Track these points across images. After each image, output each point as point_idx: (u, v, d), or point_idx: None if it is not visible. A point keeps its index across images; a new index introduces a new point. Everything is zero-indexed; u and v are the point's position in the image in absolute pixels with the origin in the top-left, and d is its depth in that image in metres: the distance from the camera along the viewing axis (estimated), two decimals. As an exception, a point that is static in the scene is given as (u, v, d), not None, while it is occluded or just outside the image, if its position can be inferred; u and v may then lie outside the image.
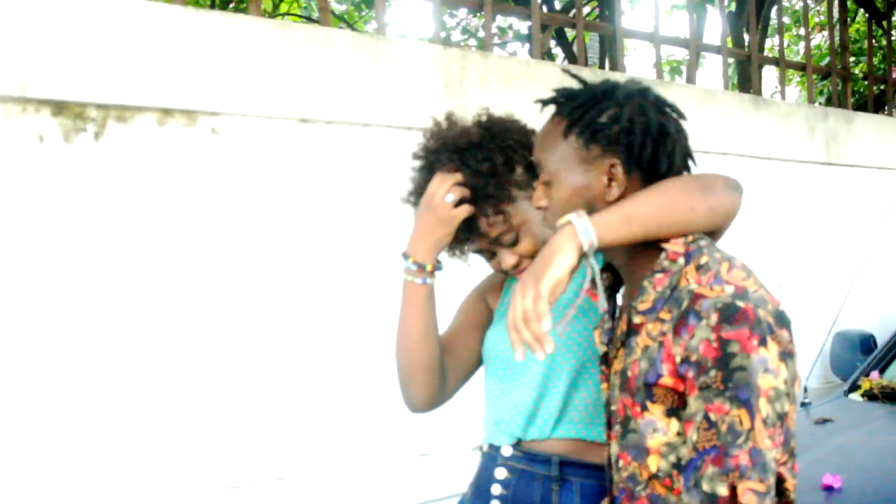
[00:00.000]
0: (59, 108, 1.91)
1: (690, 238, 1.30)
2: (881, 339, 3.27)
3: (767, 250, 3.47)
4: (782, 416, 1.19)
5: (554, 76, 2.81)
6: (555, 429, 1.71)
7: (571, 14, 3.52)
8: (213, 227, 2.15)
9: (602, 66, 3.82)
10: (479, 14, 3.78)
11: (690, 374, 1.18)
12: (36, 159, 1.90)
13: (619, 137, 1.30)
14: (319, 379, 2.33)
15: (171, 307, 2.08)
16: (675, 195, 1.33)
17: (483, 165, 1.66)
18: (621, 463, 1.37)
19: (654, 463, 1.28)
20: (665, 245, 1.30)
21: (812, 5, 5.33)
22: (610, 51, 3.47)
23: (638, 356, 1.26)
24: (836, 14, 4.46)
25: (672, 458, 1.27)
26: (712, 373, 1.16)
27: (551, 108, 1.42)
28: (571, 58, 3.85)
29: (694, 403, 1.19)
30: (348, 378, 2.38)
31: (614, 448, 1.40)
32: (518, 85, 2.68)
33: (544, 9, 2.98)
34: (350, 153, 2.38)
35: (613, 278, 1.47)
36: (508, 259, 1.68)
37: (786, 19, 6.86)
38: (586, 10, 4.60)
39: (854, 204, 4.11)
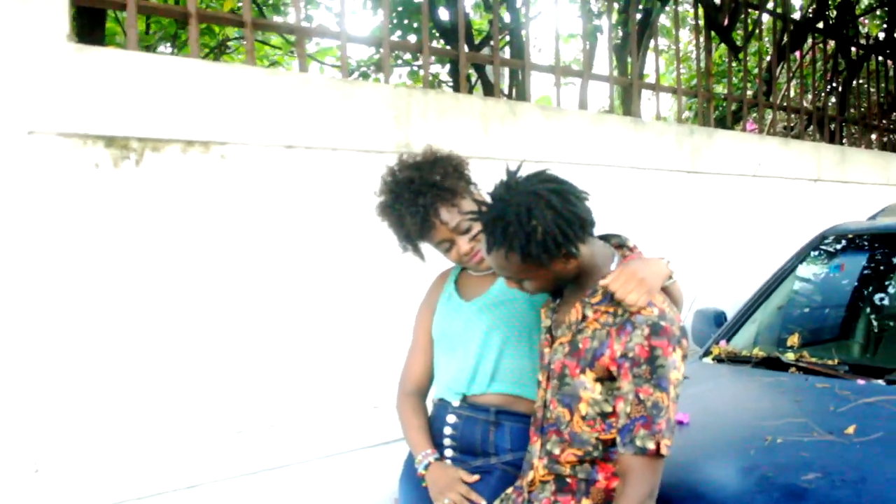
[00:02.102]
0: (109, 141, 2.46)
1: None
2: (730, 315, 4.01)
3: (646, 244, 4.22)
4: (678, 396, 1.91)
5: (477, 106, 3.48)
6: (489, 386, 2.38)
7: (487, 49, 4.21)
8: (222, 231, 2.72)
9: (511, 94, 4.49)
10: (418, 55, 4.39)
11: (626, 364, 1.89)
12: (93, 181, 2.44)
13: (530, 252, 1.89)
14: (298, 354, 2.94)
15: (181, 293, 2.66)
16: None
17: (438, 171, 2.31)
18: (551, 406, 2.07)
19: (584, 408, 1.98)
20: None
21: (683, 36, 6.12)
22: (520, 81, 4.14)
23: (589, 335, 1.95)
24: (702, 44, 5.26)
25: (596, 409, 1.98)
26: (643, 367, 1.88)
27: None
28: (486, 83, 4.51)
29: (627, 385, 1.90)
30: (322, 353, 2.99)
31: (548, 395, 2.09)
32: (451, 115, 3.33)
33: (466, 48, 3.62)
34: (324, 172, 2.98)
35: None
36: (464, 246, 2.33)
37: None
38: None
39: (714, 205, 4.87)
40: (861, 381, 3.00)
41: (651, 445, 1.86)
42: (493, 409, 2.36)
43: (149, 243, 2.56)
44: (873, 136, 7.25)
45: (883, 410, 2.68)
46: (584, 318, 2.01)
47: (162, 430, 2.59)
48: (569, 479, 2.04)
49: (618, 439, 1.92)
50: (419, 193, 2.26)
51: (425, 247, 2.41)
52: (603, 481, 2.00)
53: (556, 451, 2.05)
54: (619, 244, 2.17)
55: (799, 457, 2.35)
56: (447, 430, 2.43)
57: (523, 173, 2.01)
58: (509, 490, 2.24)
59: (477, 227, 2.31)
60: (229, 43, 5.60)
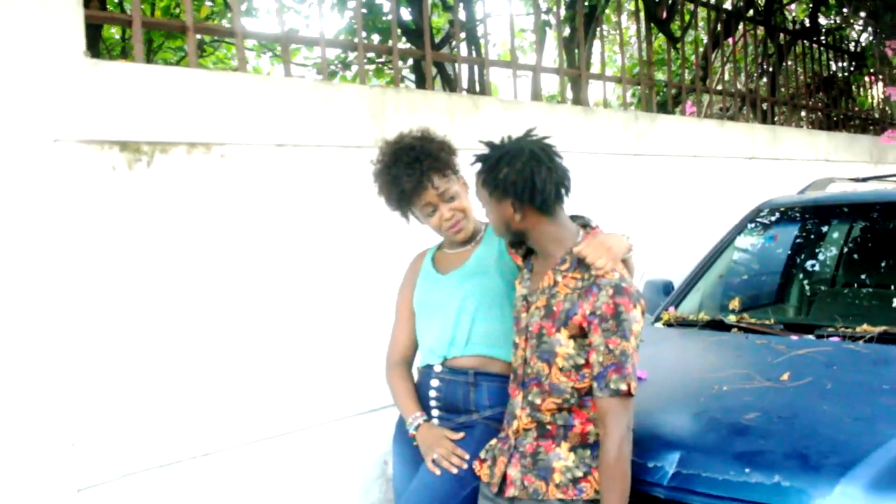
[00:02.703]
0: (123, 146, 2.72)
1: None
2: (677, 284, 4.26)
3: (600, 222, 4.56)
4: (638, 346, 2.26)
5: (444, 102, 3.80)
6: (465, 348, 2.71)
7: (447, 48, 4.52)
8: (224, 222, 2.99)
9: (472, 88, 4.81)
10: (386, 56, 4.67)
11: (595, 321, 2.24)
12: (111, 182, 2.70)
13: (508, 189, 2.31)
14: (297, 332, 3.23)
15: (190, 278, 2.93)
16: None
17: (436, 142, 2.65)
18: (531, 362, 2.41)
19: (561, 362, 2.33)
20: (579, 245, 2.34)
21: (625, 24, 6.48)
22: (480, 77, 4.46)
23: (561, 299, 2.30)
24: (643, 35, 5.62)
25: (570, 363, 2.32)
26: (610, 321, 2.23)
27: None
28: (446, 78, 4.83)
29: (597, 339, 2.25)
30: (316, 330, 3.28)
31: (527, 353, 2.42)
32: (420, 110, 3.64)
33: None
34: (311, 166, 3.27)
35: (527, 251, 2.51)
36: (446, 212, 2.65)
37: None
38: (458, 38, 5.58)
39: (659, 184, 5.22)
40: (794, 337, 3.38)
41: (623, 387, 2.22)
42: (471, 372, 2.67)
43: (161, 236, 2.82)
44: (802, 115, 7.73)
45: (813, 360, 3.06)
46: (556, 283, 2.35)
47: (174, 402, 2.87)
48: (549, 426, 2.38)
49: (594, 385, 2.26)
50: (417, 159, 2.58)
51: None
52: (578, 426, 2.34)
53: (538, 401, 2.38)
54: (583, 224, 2.52)
55: (742, 401, 2.71)
56: (432, 393, 2.74)
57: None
58: (493, 441, 2.54)
59: (462, 196, 2.66)
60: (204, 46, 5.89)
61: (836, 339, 3.31)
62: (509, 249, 2.63)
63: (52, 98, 2.54)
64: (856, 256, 4.51)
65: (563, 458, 2.33)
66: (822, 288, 4.40)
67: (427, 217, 2.68)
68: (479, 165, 2.41)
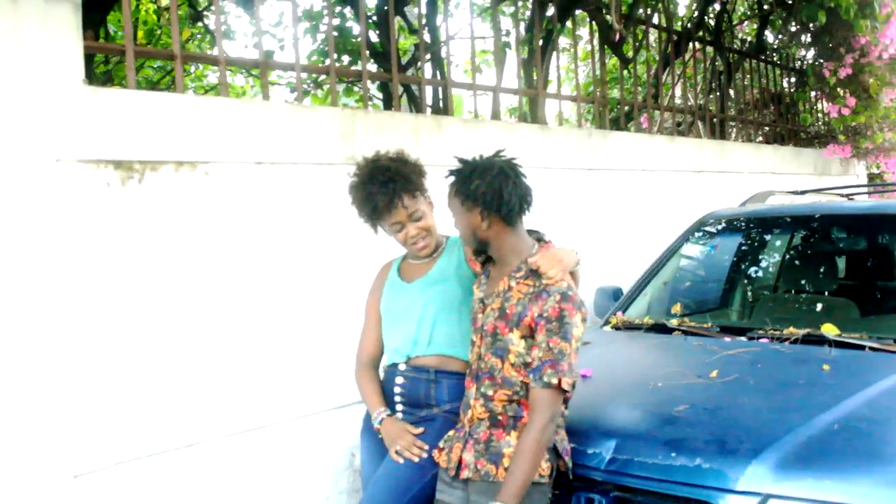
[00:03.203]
0: (117, 164, 3.00)
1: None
2: (626, 290, 4.52)
3: (556, 232, 4.88)
4: (579, 348, 2.58)
5: (409, 122, 4.10)
6: (427, 348, 3.01)
7: (413, 69, 4.83)
8: (208, 234, 3.26)
9: (436, 107, 5.11)
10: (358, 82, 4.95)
11: (542, 322, 2.56)
12: (106, 198, 2.97)
13: (478, 199, 2.63)
14: (275, 334, 3.50)
15: (178, 284, 3.20)
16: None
17: (409, 164, 2.94)
18: (486, 358, 2.72)
19: (512, 358, 2.63)
20: (533, 256, 2.65)
21: (582, 45, 6.80)
22: (444, 97, 4.77)
23: (514, 303, 2.61)
24: (597, 57, 5.96)
25: (520, 360, 2.64)
26: (554, 323, 2.56)
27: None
28: (412, 96, 5.12)
29: (541, 337, 2.57)
30: (293, 334, 3.55)
31: (482, 350, 2.74)
32: (388, 130, 3.94)
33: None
34: (287, 183, 3.55)
35: (485, 259, 2.82)
36: (413, 230, 2.96)
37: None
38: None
39: (611, 197, 5.50)
40: (727, 339, 3.72)
41: (554, 381, 2.54)
42: (432, 370, 2.97)
43: (150, 245, 3.09)
44: (750, 131, 8.13)
45: (741, 359, 3.40)
46: (510, 288, 2.67)
47: (162, 397, 3.14)
48: (500, 416, 2.69)
49: (530, 377, 2.58)
50: (391, 179, 2.88)
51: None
52: (526, 417, 2.65)
53: (490, 393, 2.69)
54: (538, 238, 2.84)
55: (674, 395, 3.04)
56: (397, 389, 3.04)
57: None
58: (451, 432, 2.84)
59: (427, 216, 2.96)
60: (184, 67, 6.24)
61: (765, 340, 3.65)
62: (470, 257, 2.95)
63: (55, 121, 2.80)
64: (790, 265, 4.86)
65: (512, 445, 2.63)
66: (758, 294, 4.74)
67: (395, 233, 2.98)
68: (452, 178, 2.72)
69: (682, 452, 2.63)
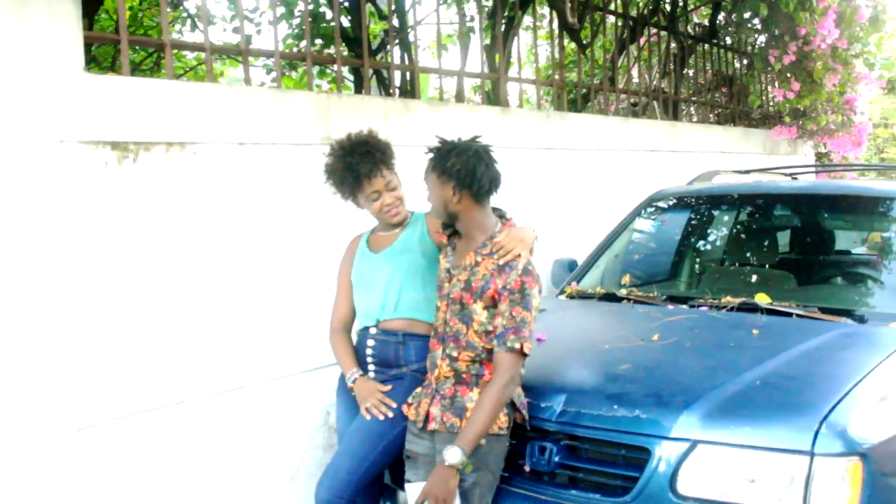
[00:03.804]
0: (115, 145, 3.26)
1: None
2: (580, 262, 4.89)
3: (517, 209, 5.18)
4: (535, 316, 2.90)
5: (379, 104, 4.39)
6: (395, 312, 3.31)
7: (382, 53, 5.10)
8: (196, 208, 3.52)
9: (404, 89, 5.39)
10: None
11: (505, 293, 2.87)
12: (104, 175, 3.23)
13: (453, 174, 2.94)
14: (253, 306, 3.80)
15: (169, 255, 3.47)
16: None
17: (383, 141, 3.25)
18: (451, 323, 3.03)
19: (476, 325, 2.94)
20: (496, 234, 2.95)
21: (541, 25, 7.07)
22: (411, 80, 5.06)
23: (479, 276, 2.91)
24: (556, 42, 6.26)
25: (483, 328, 2.94)
26: (516, 295, 2.88)
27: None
28: (383, 81, 5.40)
29: (504, 307, 2.87)
30: (273, 301, 3.84)
31: (447, 315, 3.05)
32: (359, 113, 4.22)
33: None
34: (268, 161, 3.82)
35: (451, 233, 3.12)
36: (388, 199, 3.26)
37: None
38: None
39: (569, 175, 5.78)
40: (671, 307, 4.08)
41: (517, 346, 2.86)
42: (400, 333, 3.29)
43: (145, 220, 3.35)
44: (703, 112, 8.49)
45: (680, 325, 3.74)
46: (477, 263, 2.99)
47: (156, 357, 3.42)
48: (464, 375, 3.01)
49: (495, 342, 2.91)
50: (369, 153, 3.20)
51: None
52: (487, 375, 2.97)
53: (455, 354, 3.02)
54: (500, 215, 3.15)
55: (619, 356, 3.38)
56: (368, 351, 3.35)
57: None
58: (418, 389, 3.17)
59: (399, 188, 3.29)
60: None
61: (704, 308, 4.00)
62: (437, 230, 3.25)
63: (59, 106, 3.06)
64: (735, 240, 5.22)
65: (474, 400, 2.95)
66: (704, 266, 5.10)
67: (371, 202, 3.27)
68: (431, 154, 3.03)
69: (623, 405, 2.97)
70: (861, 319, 3.71)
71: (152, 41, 3.76)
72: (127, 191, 3.30)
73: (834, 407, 2.78)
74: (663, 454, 2.80)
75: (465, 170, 2.93)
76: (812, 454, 2.64)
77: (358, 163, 3.19)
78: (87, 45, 3.30)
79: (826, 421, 2.71)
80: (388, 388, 3.25)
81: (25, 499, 3.01)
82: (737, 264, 4.92)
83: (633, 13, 7.32)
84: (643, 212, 5.17)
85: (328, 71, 6.36)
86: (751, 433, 2.76)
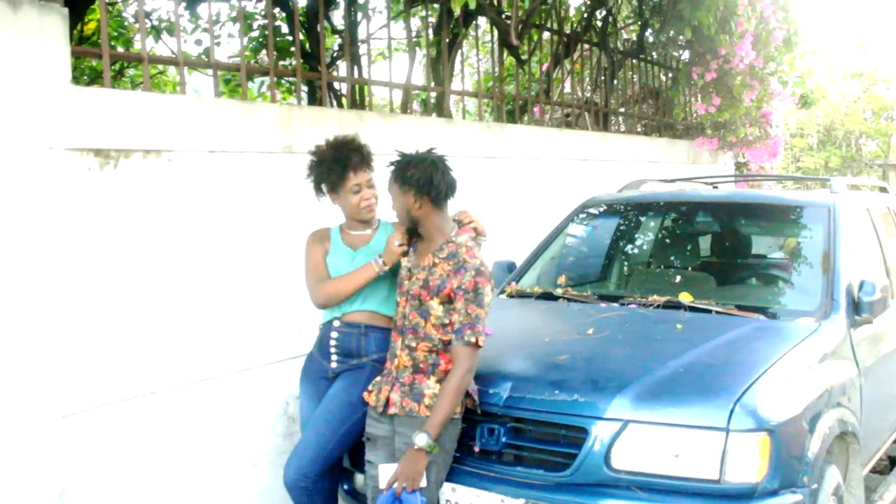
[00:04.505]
0: (98, 152, 3.49)
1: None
2: (518, 264, 5.20)
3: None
4: (488, 312, 3.23)
5: (336, 116, 4.69)
6: (361, 306, 3.57)
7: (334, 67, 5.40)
8: (171, 210, 3.76)
9: (355, 99, 5.68)
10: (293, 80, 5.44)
11: (461, 293, 3.18)
12: (88, 180, 3.47)
13: (412, 183, 3.26)
14: (218, 303, 4.05)
15: (149, 250, 3.71)
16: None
17: (366, 145, 3.53)
18: (410, 317, 3.34)
19: (433, 319, 3.24)
20: (452, 237, 3.27)
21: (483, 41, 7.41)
22: (360, 93, 5.37)
23: (436, 277, 3.22)
24: (496, 57, 6.61)
25: (439, 322, 3.24)
26: (471, 294, 3.20)
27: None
28: (335, 92, 5.69)
29: (460, 305, 3.18)
30: (240, 299, 4.11)
31: (406, 310, 3.37)
32: (319, 123, 4.50)
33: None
34: (236, 168, 4.08)
35: (411, 237, 3.42)
36: (367, 194, 3.54)
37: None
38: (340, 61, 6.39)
39: (508, 182, 6.10)
40: (603, 305, 4.45)
41: (473, 340, 3.20)
42: (362, 325, 3.57)
43: (123, 218, 3.57)
44: (631, 123, 8.96)
45: (612, 320, 4.11)
46: (434, 265, 3.32)
47: (130, 347, 3.67)
48: (422, 364, 3.32)
49: (453, 337, 3.24)
50: (358, 149, 3.51)
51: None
52: (443, 365, 3.30)
53: (413, 345, 3.33)
54: (457, 221, 3.48)
55: (558, 348, 3.72)
56: (332, 342, 3.62)
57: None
58: (378, 377, 3.47)
59: (375, 187, 3.57)
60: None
61: (633, 305, 4.37)
62: (405, 235, 3.51)
63: (48, 115, 3.29)
64: (660, 244, 5.59)
65: (431, 387, 3.28)
66: (632, 268, 5.47)
67: (352, 194, 3.53)
68: (392, 167, 3.35)
69: (563, 390, 3.31)
70: (773, 315, 4.12)
71: (132, 56, 3.99)
72: (108, 194, 3.53)
73: (746, 390, 3.18)
74: (599, 433, 3.14)
75: (423, 178, 3.26)
76: (727, 430, 3.03)
77: (348, 155, 3.50)
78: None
79: (739, 402, 3.11)
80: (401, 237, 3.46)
81: (12, 481, 3.23)
82: (662, 266, 5.31)
83: (568, 30, 7.72)
84: (576, 217, 5.53)
85: (282, 82, 6.64)
86: (675, 413, 3.13)
